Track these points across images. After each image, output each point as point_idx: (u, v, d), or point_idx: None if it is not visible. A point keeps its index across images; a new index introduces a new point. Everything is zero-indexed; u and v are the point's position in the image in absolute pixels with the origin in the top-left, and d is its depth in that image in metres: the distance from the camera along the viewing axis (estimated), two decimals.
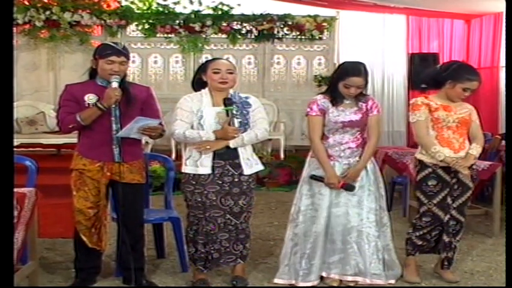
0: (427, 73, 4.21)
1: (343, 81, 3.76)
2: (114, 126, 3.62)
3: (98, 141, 3.65)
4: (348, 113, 3.81)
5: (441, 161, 3.81)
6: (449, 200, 3.88)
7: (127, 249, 3.72)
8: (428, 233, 3.94)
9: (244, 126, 3.73)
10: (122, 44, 3.84)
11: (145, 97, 3.75)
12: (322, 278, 3.85)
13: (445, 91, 3.88)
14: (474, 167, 4.00)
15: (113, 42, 3.80)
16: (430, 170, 3.88)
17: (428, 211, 3.88)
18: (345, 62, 4.03)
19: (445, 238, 3.92)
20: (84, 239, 3.70)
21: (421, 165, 3.91)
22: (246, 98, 3.81)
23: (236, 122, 3.69)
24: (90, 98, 3.62)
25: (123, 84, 3.65)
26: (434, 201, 3.86)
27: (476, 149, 3.88)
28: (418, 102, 3.90)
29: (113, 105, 3.57)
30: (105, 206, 3.72)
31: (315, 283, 3.80)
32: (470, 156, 3.86)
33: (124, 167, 3.67)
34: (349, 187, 3.76)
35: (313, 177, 3.84)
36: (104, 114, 3.59)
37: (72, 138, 3.91)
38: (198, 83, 3.84)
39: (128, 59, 3.69)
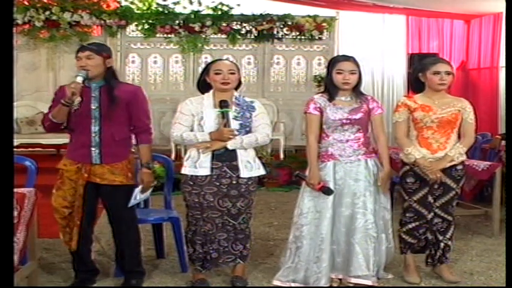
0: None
1: (335, 68, 3.80)
2: (93, 128, 3.61)
3: (78, 142, 3.65)
4: (346, 110, 3.80)
5: (414, 161, 3.83)
6: (430, 198, 3.89)
7: (124, 250, 3.74)
8: (415, 230, 3.93)
9: (245, 129, 3.73)
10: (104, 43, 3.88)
11: (130, 97, 3.67)
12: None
13: (427, 86, 3.90)
14: (473, 166, 3.99)
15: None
16: (408, 167, 3.91)
17: (410, 207, 3.91)
18: None
19: (429, 236, 3.95)
20: (61, 237, 3.73)
21: (403, 162, 3.96)
22: (252, 102, 3.82)
23: (236, 123, 3.69)
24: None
25: (108, 83, 3.63)
26: (415, 198, 3.89)
27: (457, 150, 3.85)
28: (399, 103, 3.96)
29: (76, 99, 3.49)
30: (79, 207, 3.65)
31: (327, 285, 3.78)
32: (447, 158, 3.83)
33: (105, 168, 3.64)
34: (327, 190, 3.74)
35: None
36: (86, 115, 3.58)
37: None
38: (203, 85, 3.85)
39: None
